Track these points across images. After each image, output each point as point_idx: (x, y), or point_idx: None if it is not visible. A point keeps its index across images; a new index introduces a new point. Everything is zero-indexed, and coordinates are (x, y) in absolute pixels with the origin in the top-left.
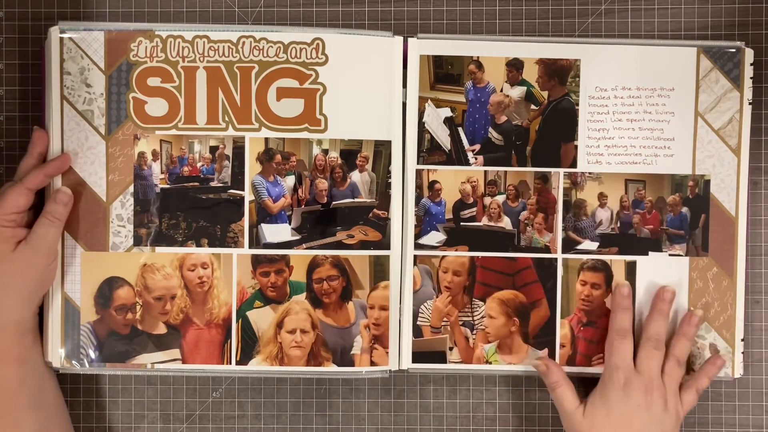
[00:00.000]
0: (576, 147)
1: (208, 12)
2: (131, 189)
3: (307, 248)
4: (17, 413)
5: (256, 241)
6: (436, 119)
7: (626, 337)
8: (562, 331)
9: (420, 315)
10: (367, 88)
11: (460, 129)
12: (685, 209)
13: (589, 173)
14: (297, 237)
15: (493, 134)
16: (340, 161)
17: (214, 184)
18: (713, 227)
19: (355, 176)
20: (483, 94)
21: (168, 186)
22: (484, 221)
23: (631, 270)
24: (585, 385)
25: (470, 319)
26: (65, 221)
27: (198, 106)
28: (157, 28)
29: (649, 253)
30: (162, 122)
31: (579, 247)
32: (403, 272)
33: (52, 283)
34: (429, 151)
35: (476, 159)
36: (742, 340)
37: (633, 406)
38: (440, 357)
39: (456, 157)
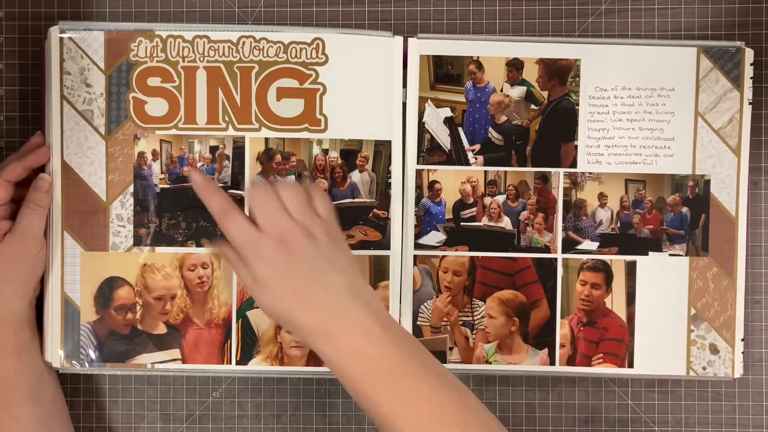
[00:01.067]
0: (576, 147)
1: (208, 12)
2: (131, 189)
3: None
4: (15, 406)
5: None
6: (436, 119)
7: (228, 214)
8: (562, 331)
9: (420, 315)
10: (367, 88)
11: (460, 129)
12: (685, 209)
13: (589, 173)
14: None
15: (493, 134)
16: (340, 161)
17: None
18: (713, 227)
19: (355, 176)
20: (483, 94)
21: (168, 186)
22: (484, 221)
23: (631, 270)
24: (585, 385)
25: (470, 319)
26: (65, 215)
27: (198, 106)
28: (157, 28)
29: (649, 253)
30: (162, 122)
31: (579, 247)
32: (403, 272)
33: (42, 271)
34: (429, 151)
35: (476, 159)
36: (742, 340)
37: (283, 271)
38: (440, 357)
39: (456, 157)
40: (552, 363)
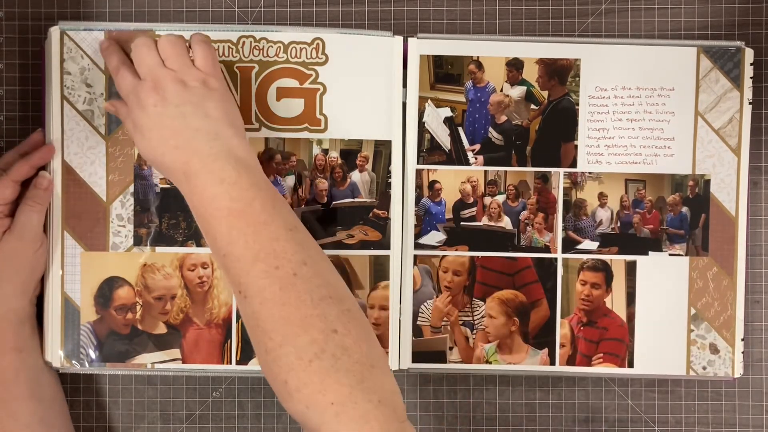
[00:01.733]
0: (576, 147)
1: (208, 12)
2: (131, 189)
3: None
4: (14, 403)
5: None
6: (436, 119)
7: (119, 69)
8: (562, 330)
9: (420, 315)
10: (367, 88)
11: (460, 129)
12: (685, 209)
13: (589, 173)
14: None
15: (493, 134)
16: (340, 161)
17: None
18: (713, 227)
19: (355, 176)
20: (483, 94)
21: (168, 186)
22: (484, 221)
23: (631, 270)
24: (585, 385)
25: (470, 318)
26: (65, 215)
27: None
28: (157, 28)
29: (649, 252)
30: None
31: (579, 246)
32: (403, 272)
33: (43, 268)
34: (429, 151)
35: (476, 159)
36: (742, 340)
37: (152, 112)
38: (440, 357)
39: (456, 156)
40: (552, 363)
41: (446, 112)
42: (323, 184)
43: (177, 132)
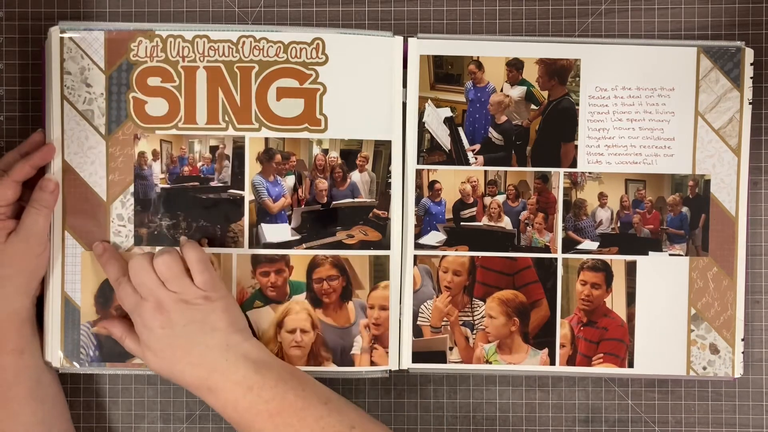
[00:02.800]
0: (576, 147)
1: (208, 12)
2: (131, 189)
3: (307, 248)
4: (15, 404)
5: (256, 240)
6: (436, 119)
7: (119, 283)
8: (562, 330)
9: (420, 315)
10: (367, 88)
11: (460, 129)
12: (685, 209)
13: (589, 173)
14: (297, 237)
15: (493, 134)
16: (340, 161)
17: (214, 183)
18: (713, 227)
19: (355, 176)
20: (483, 94)
21: (168, 186)
22: (484, 221)
23: (631, 270)
24: (585, 385)
25: (470, 319)
26: (66, 215)
27: (198, 106)
28: (157, 28)
29: (649, 252)
30: (162, 122)
31: (579, 246)
32: (403, 272)
33: (44, 271)
34: (429, 151)
35: (476, 159)
36: (742, 340)
37: (161, 334)
38: (440, 357)
39: (456, 157)
40: (552, 363)
41: (446, 112)
42: (323, 184)
43: (188, 351)
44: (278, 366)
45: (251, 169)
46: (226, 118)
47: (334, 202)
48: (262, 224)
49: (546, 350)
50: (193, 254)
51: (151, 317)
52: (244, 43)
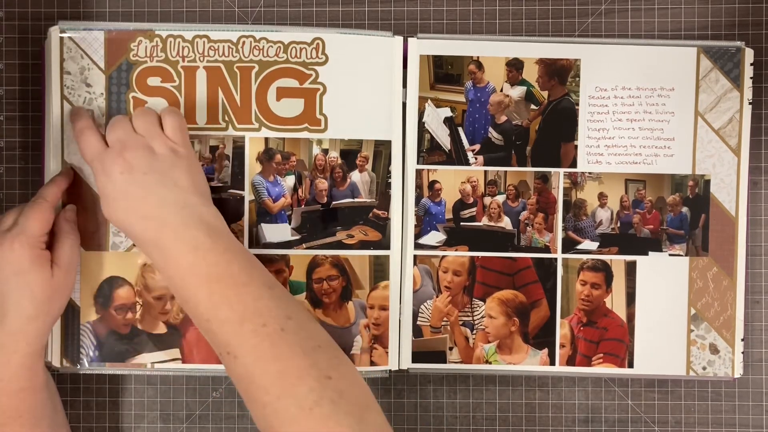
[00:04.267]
0: (576, 147)
1: (208, 12)
2: None
3: (306, 248)
4: None
5: (255, 240)
6: (436, 119)
7: (83, 131)
8: (562, 330)
9: (420, 315)
10: (367, 88)
11: (460, 129)
12: (685, 209)
13: (589, 173)
14: (297, 237)
15: (493, 134)
16: (340, 161)
17: (213, 183)
18: (713, 227)
19: (355, 176)
20: (483, 94)
21: None
22: (484, 221)
23: (631, 270)
24: (585, 385)
25: (470, 319)
26: None
27: (198, 106)
28: (157, 28)
29: (649, 252)
30: None
31: (579, 247)
32: (403, 272)
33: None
34: (429, 151)
35: (476, 159)
36: (742, 340)
37: (119, 179)
38: (440, 357)
39: (456, 157)
40: (552, 363)
41: (446, 112)
42: (323, 184)
43: (144, 201)
44: (231, 238)
45: (251, 169)
46: (226, 118)
47: (334, 202)
48: (262, 224)
49: (546, 350)
50: (170, 110)
51: (111, 162)
52: (244, 43)
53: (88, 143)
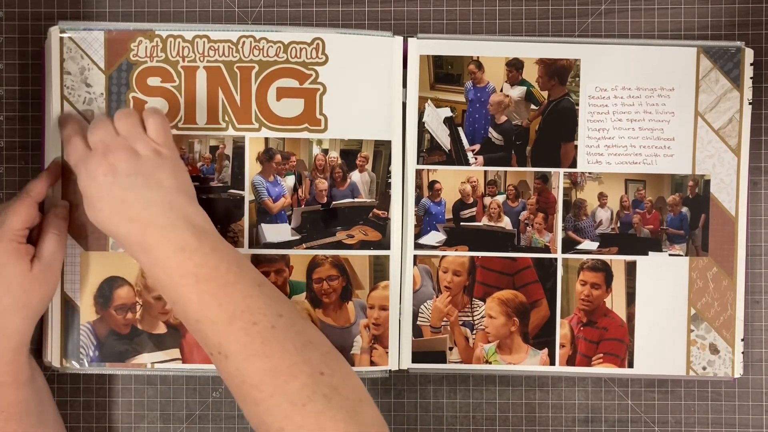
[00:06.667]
0: (576, 147)
1: (208, 12)
2: None
3: (306, 248)
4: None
5: (255, 241)
6: (436, 119)
7: (69, 138)
8: (562, 331)
9: (420, 315)
10: (367, 88)
11: (460, 129)
12: (685, 209)
13: (589, 173)
14: (297, 237)
15: (493, 134)
16: (340, 161)
17: (214, 183)
18: (713, 227)
19: (355, 176)
20: (483, 94)
21: None
22: (484, 221)
23: (631, 270)
24: (585, 385)
25: (470, 319)
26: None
27: (198, 106)
28: (157, 28)
29: (649, 252)
30: None
31: (579, 247)
32: (403, 272)
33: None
34: (429, 151)
35: (476, 159)
36: (742, 340)
37: (102, 181)
38: (440, 357)
39: (456, 157)
40: (552, 363)
41: (446, 112)
42: (323, 184)
43: (129, 203)
44: (218, 238)
45: (251, 169)
46: (226, 118)
47: (334, 202)
48: (262, 224)
49: (546, 350)
50: (152, 111)
51: (96, 165)
52: (244, 43)
53: (74, 149)
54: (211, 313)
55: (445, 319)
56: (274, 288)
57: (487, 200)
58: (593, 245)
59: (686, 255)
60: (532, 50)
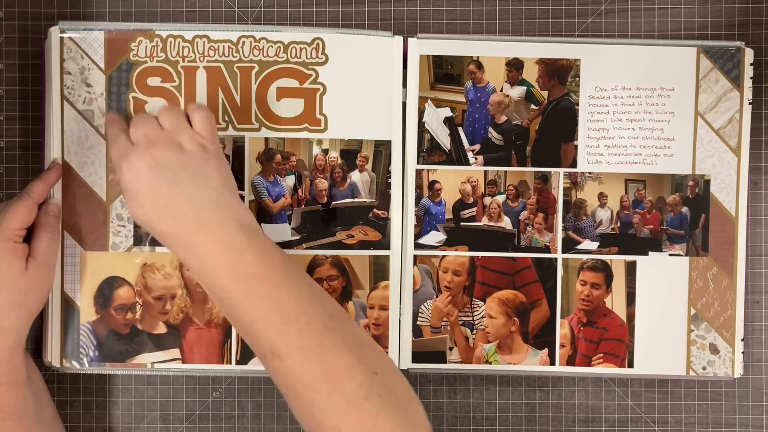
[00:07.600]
0: (576, 147)
1: (208, 12)
2: None
3: (306, 248)
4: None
5: None
6: (436, 119)
7: (114, 137)
8: (562, 330)
9: (420, 315)
10: (367, 88)
11: (460, 129)
12: (685, 209)
13: (589, 173)
14: (297, 237)
15: (493, 134)
16: (340, 161)
17: None
18: (713, 227)
19: (355, 176)
20: (483, 94)
21: None
22: (484, 221)
23: (631, 270)
24: (585, 385)
25: (470, 319)
26: (65, 215)
27: None
28: (157, 28)
29: (649, 253)
30: None
31: (579, 247)
32: (403, 272)
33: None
34: (429, 151)
35: (476, 159)
36: (742, 340)
37: (146, 176)
38: (440, 357)
39: (456, 157)
40: (552, 363)
41: (446, 112)
42: (323, 184)
43: (172, 199)
44: (266, 236)
45: (251, 169)
46: (226, 118)
47: (334, 202)
48: (262, 224)
49: (546, 350)
50: (198, 106)
51: (138, 158)
52: (244, 43)
53: (116, 146)
54: (264, 314)
55: (445, 319)
56: (321, 288)
57: (487, 200)
58: (593, 245)
59: (686, 255)
60: (532, 50)
